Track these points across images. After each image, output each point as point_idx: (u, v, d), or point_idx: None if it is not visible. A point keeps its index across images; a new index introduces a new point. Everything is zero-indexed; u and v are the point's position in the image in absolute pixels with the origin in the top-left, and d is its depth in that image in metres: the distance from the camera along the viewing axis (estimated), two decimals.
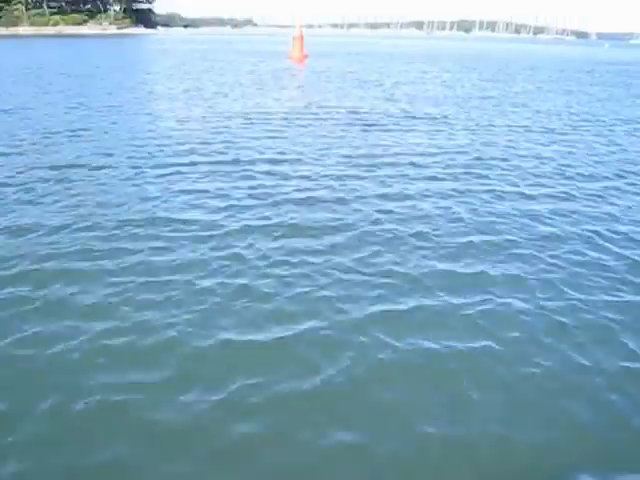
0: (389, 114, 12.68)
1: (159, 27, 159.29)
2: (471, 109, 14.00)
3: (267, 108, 12.77)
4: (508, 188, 7.23)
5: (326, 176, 7.38)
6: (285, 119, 11.45)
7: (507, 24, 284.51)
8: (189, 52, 39.81)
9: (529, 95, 17.17)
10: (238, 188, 6.93)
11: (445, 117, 12.41)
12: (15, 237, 5.33)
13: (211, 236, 5.34)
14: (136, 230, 5.47)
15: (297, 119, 11.53)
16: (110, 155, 8.39)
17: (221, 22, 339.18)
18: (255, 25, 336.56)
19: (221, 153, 8.52)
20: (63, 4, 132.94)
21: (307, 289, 4.44)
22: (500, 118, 12.67)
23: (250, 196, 6.55)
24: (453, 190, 7.01)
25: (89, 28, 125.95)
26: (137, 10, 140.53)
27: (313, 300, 4.30)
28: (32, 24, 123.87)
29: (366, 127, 11.00)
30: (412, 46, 68.88)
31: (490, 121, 12.15)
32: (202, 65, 24.04)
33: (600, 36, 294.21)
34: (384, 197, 6.65)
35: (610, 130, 11.88)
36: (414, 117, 12.31)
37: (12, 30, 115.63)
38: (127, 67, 24.30)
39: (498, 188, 7.18)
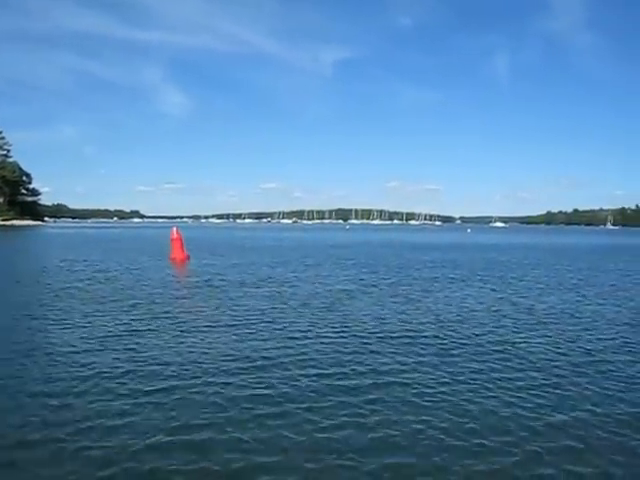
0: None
1: (46, 218, 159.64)
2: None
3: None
4: None
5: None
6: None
7: (381, 212, 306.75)
8: (76, 252, 40.02)
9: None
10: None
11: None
12: None
13: None
14: None
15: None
16: None
17: (108, 213, 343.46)
18: (142, 217, 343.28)
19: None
20: None
21: None
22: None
23: None
24: None
25: None
26: (22, 202, 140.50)
27: None
28: None
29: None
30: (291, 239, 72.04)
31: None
32: (82, 274, 23.60)
33: (464, 220, 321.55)
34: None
35: None
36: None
37: None
38: None
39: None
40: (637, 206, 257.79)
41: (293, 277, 22.30)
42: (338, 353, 9.93)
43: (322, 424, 6.47)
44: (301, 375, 8.44)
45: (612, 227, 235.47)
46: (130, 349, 9.96)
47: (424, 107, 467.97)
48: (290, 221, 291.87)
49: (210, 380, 8.08)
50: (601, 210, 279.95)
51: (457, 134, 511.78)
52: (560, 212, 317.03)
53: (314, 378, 8.26)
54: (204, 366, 8.81)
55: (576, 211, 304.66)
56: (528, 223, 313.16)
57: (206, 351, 9.84)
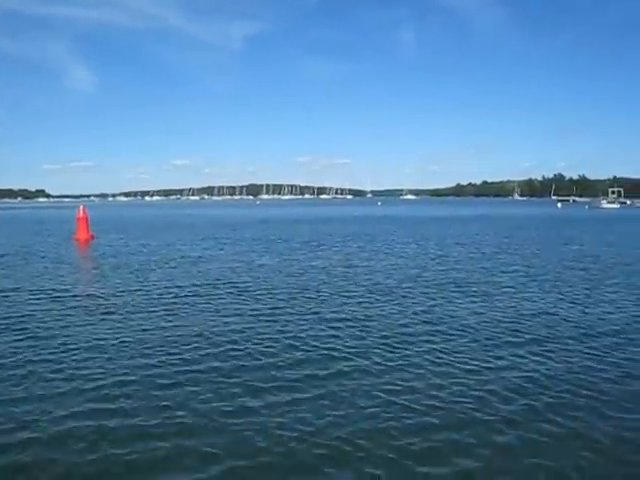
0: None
1: None
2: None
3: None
4: None
5: None
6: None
7: (292, 187, 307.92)
8: None
9: None
10: None
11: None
12: None
13: None
14: None
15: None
16: None
17: (12, 193, 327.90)
18: (48, 196, 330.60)
19: None
20: None
21: None
22: None
23: None
24: None
25: None
26: None
27: None
28: None
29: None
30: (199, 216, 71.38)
31: None
32: None
33: (375, 193, 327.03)
34: None
35: None
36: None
37: None
38: None
39: None
40: (543, 177, 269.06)
41: (208, 255, 22.21)
42: (258, 325, 10.08)
43: (236, 396, 6.55)
44: (218, 350, 8.51)
45: (519, 198, 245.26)
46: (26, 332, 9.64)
47: (333, 81, 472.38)
48: (197, 198, 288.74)
49: (120, 361, 7.93)
50: (509, 181, 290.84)
51: (366, 107, 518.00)
52: (469, 184, 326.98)
53: (233, 353, 8.35)
54: (108, 349, 8.61)
55: (485, 183, 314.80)
56: (438, 195, 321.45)
57: (105, 334, 9.56)
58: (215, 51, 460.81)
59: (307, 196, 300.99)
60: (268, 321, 10.43)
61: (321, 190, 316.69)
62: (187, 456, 5.16)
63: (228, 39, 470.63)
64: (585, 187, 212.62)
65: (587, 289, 13.86)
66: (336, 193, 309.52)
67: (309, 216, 66.25)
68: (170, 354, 8.26)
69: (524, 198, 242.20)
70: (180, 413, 6.08)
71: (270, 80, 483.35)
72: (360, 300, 12.40)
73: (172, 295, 13.22)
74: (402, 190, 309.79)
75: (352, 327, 9.92)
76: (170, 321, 10.56)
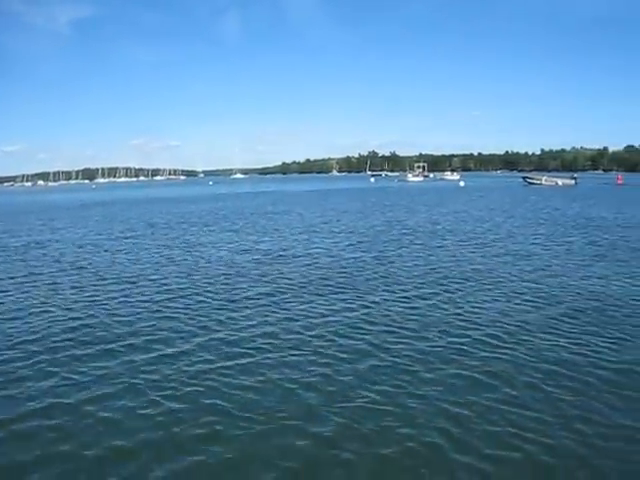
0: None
1: None
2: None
3: None
4: None
5: None
6: None
7: (127, 169, 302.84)
8: None
9: None
10: None
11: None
12: None
13: None
14: None
15: None
16: None
17: None
18: None
19: None
20: None
21: None
22: None
23: None
24: None
25: None
26: None
27: None
28: None
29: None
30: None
31: None
32: None
33: (206, 173, 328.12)
34: None
35: None
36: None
37: None
38: None
39: None
40: (359, 155, 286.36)
41: (45, 239, 23.17)
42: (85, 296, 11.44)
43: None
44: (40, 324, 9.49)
45: (338, 174, 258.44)
46: None
47: (162, 64, 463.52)
48: (31, 184, 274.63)
49: None
50: (330, 159, 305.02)
51: (194, 91, 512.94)
52: (294, 162, 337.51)
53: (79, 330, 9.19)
54: None
55: (308, 161, 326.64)
56: (266, 174, 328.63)
57: None
58: (41, 34, 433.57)
59: (142, 178, 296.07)
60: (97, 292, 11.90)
61: (155, 172, 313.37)
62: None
63: (54, 23, 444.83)
64: (396, 162, 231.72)
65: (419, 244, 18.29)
66: (170, 174, 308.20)
67: (146, 197, 67.15)
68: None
69: (342, 174, 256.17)
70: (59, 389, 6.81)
71: (99, 64, 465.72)
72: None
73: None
74: (232, 170, 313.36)
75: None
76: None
